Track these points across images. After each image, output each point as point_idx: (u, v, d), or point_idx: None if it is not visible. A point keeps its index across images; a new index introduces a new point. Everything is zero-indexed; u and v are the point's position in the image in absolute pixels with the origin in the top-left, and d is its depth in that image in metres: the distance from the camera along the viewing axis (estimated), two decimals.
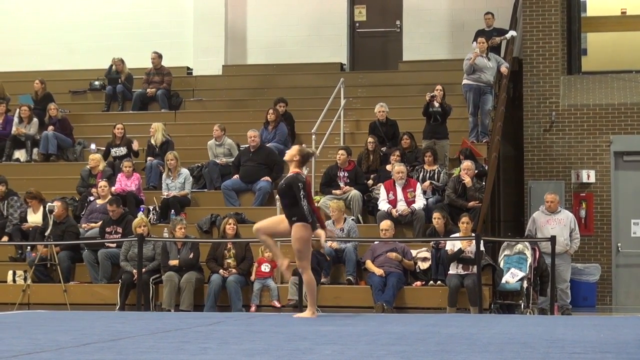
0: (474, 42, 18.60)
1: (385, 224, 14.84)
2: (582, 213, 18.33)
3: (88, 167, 17.67)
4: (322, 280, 14.70)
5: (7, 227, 16.71)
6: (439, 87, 17.30)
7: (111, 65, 20.87)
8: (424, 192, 15.86)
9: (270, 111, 18.05)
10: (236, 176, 17.19)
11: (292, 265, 12.32)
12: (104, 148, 18.52)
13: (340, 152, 16.52)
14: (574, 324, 10.32)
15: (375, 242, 14.88)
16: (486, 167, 16.32)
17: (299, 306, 13.67)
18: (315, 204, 16.03)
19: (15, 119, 19.47)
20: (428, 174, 16.21)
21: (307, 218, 10.85)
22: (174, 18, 22.50)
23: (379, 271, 14.39)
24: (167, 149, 17.68)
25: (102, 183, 16.67)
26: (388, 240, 14.74)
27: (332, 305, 14.44)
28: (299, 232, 10.78)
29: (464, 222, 14.40)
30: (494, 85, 17.96)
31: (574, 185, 18.62)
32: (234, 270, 14.76)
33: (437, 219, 14.78)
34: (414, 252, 14.86)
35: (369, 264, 14.61)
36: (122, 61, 20.82)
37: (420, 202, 15.54)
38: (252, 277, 14.76)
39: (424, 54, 21.38)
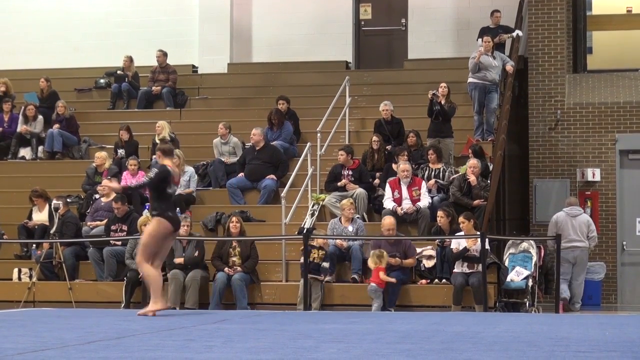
0: (479, 39, 18.57)
1: (390, 223, 14.73)
2: (587, 211, 18.31)
3: (94, 165, 17.68)
4: (328, 278, 14.67)
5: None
6: (443, 84, 17.29)
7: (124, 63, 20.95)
8: (429, 191, 15.85)
9: (273, 114, 18.01)
10: (241, 174, 17.21)
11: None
12: (112, 146, 18.59)
13: (340, 152, 16.50)
14: (579, 323, 10.32)
15: (381, 240, 14.75)
16: (491, 166, 16.30)
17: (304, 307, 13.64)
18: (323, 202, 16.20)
19: (21, 117, 19.49)
20: (433, 173, 16.20)
21: (166, 213, 10.86)
22: (180, 16, 22.50)
23: (370, 264, 14.29)
24: None
25: (106, 181, 16.63)
26: (395, 239, 14.64)
27: (338, 303, 14.46)
28: (154, 226, 10.84)
29: (461, 221, 14.38)
30: (499, 84, 17.93)
31: (579, 183, 18.61)
32: (239, 269, 14.77)
33: (440, 217, 14.73)
34: (418, 250, 14.83)
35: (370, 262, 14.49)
36: (130, 59, 20.85)
37: (425, 201, 15.52)
38: (370, 280, 14.30)
39: (429, 52, 21.36)
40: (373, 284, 14.09)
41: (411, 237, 15.23)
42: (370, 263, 14.21)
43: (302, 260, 14.33)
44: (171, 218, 11.02)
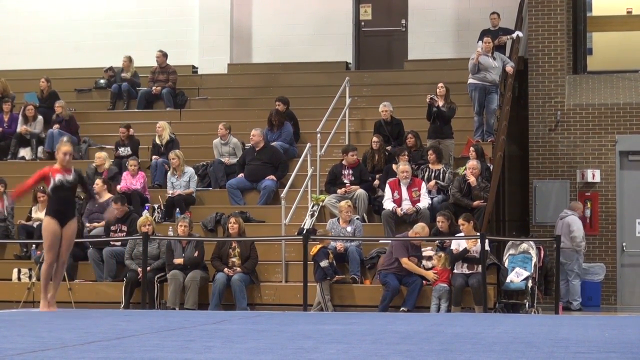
0: (480, 42, 18.57)
1: (427, 232, 14.56)
2: (587, 212, 18.32)
3: (93, 165, 17.68)
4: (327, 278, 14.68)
5: (11, 229, 16.76)
6: (440, 84, 17.28)
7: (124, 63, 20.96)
8: (429, 192, 15.84)
9: (273, 115, 17.99)
10: (241, 175, 17.20)
11: None
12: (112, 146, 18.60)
13: (351, 153, 16.39)
14: (579, 324, 10.32)
15: (406, 243, 14.70)
16: (491, 167, 16.30)
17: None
18: (321, 202, 16.20)
19: (20, 118, 19.49)
20: (433, 174, 16.20)
21: None
22: (180, 16, 22.51)
23: (431, 275, 14.28)
24: (172, 148, 17.69)
25: (97, 181, 16.61)
26: (396, 239, 14.64)
27: (337, 304, 14.45)
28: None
29: (461, 223, 14.38)
30: (500, 85, 17.93)
31: (579, 184, 18.61)
32: (238, 269, 14.77)
33: (441, 223, 14.70)
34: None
35: (409, 263, 14.37)
36: (129, 59, 20.85)
37: (425, 202, 15.51)
38: (438, 281, 14.25)
39: (429, 53, 21.36)
40: (444, 284, 14.09)
41: (410, 237, 15.21)
42: (438, 264, 14.23)
43: (323, 263, 14.33)
44: None
